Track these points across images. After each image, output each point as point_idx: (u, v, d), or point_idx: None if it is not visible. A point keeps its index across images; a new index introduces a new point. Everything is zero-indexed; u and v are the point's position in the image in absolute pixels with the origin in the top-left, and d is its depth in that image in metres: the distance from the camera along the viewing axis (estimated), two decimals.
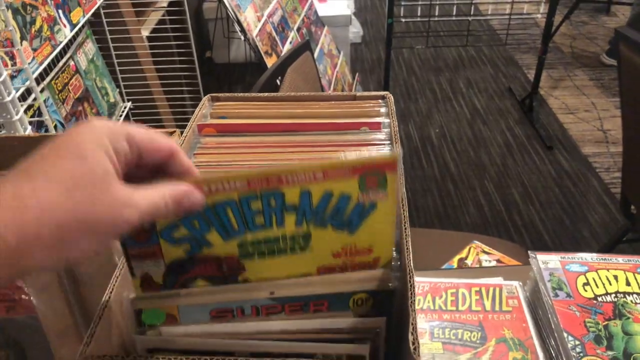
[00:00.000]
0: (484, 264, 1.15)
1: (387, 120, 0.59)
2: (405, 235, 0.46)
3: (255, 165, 0.55)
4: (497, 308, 0.73)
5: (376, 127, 0.58)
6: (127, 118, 1.69)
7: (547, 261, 0.75)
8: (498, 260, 1.15)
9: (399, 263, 0.45)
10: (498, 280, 0.79)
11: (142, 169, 0.38)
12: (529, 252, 0.77)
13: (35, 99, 1.06)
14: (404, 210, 0.47)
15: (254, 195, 0.41)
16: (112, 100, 1.62)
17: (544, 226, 2.11)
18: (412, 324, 0.36)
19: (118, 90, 1.68)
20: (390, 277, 0.43)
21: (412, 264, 0.42)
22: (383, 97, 0.63)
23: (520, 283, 0.77)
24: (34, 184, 0.32)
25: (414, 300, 0.38)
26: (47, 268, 0.34)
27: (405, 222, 0.45)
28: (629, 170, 1.49)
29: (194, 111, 0.65)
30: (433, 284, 0.78)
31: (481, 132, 2.71)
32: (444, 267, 1.11)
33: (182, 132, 0.61)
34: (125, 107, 1.67)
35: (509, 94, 3.01)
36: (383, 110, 0.61)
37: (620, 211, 1.87)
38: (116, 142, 0.35)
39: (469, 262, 1.16)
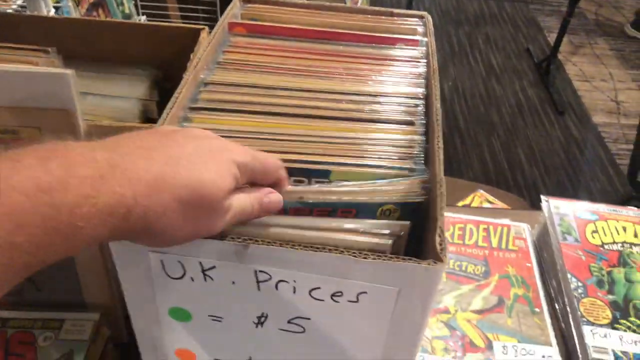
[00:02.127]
0: None
1: (425, 39, 0.57)
2: (438, 147, 0.45)
3: (284, 69, 0.53)
4: (503, 246, 0.74)
5: (413, 44, 0.57)
6: None
7: (559, 206, 0.75)
8: None
9: (425, 176, 0.45)
10: (506, 221, 0.79)
11: None
12: (541, 196, 0.77)
13: None
14: (437, 122, 0.46)
15: None
16: (127, 11, 1.58)
17: (545, 189, 2.12)
18: (440, 227, 0.36)
19: (133, 2, 1.63)
20: (420, 190, 0.43)
21: (442, 174, 0.41)
22: (421, 17, 0.62)
23: (529, 226, 0.78)
24: (151, 162, 0.31)
25: (443, 207, 0.38)
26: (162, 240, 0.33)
27: (438, 137, 0.44)
28: None
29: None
30: None
31: (494, 90, 2.67)
32: None
33: (210, 31, 0.59)
34: (139, 20, 1.62)
35: (527, 55, 2.96)
36: (420, 29, 0.60)
37: (627, 179, 1.86)
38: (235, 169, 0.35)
39: None
